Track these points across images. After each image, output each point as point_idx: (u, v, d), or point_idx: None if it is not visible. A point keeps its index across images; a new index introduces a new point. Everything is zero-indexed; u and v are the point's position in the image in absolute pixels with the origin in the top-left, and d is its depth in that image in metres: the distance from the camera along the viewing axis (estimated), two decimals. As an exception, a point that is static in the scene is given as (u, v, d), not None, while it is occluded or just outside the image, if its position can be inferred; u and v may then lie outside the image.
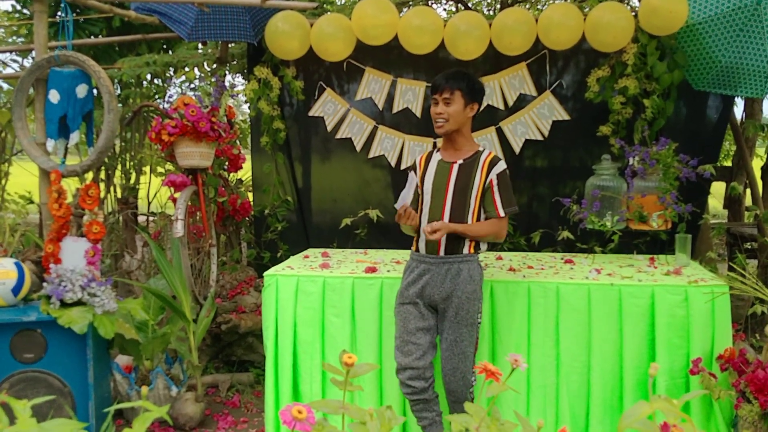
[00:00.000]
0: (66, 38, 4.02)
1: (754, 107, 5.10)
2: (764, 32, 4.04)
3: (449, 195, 3.25)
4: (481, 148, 3.32)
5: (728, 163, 6.26)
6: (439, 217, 3.25)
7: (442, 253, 3.24)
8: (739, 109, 5.65)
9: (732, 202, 5.74)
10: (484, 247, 3.33)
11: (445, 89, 3.21)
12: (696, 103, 4.63)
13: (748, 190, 5.22)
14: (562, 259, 4.24)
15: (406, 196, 3.34)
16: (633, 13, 4.32)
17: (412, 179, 3.42)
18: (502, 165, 3.26)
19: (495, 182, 3.22)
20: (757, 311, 3.64)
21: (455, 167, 3.26)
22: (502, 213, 3.23)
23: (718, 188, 5.53)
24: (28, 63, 6.29)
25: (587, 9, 4.59)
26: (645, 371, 3.43)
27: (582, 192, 4.36)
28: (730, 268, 3.80)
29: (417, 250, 3.34)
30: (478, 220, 3.26)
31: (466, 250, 3.24)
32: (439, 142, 3.47)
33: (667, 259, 4.14)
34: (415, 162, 3.46)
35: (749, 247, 5.22)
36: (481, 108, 3.38)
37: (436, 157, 3.36)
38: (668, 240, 4.26)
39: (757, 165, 5.26)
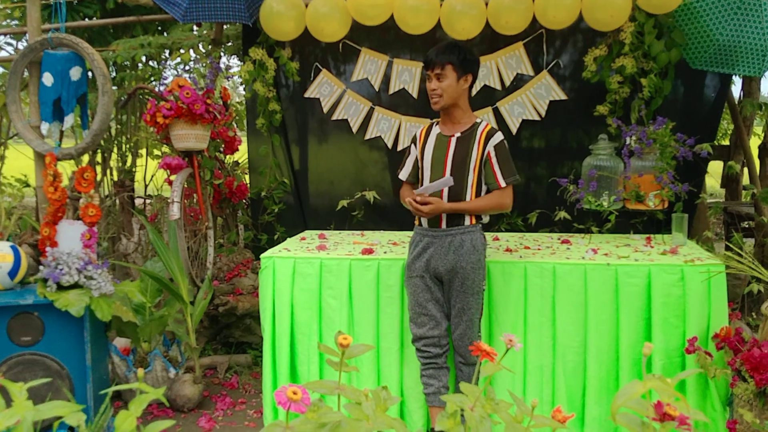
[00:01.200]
0: (59, 20, 3.99)
1: (751, 86, 5.07)
2: (762, 10, 4.00)
3: (448, 169, 3.28)
4: (478, 120, 3.34)
5: (726, 142, 6.25)
6: (438, 191, 3.29)
7: (444, 225, 3.29)
8: (736, 88, 5.64)
9: (729, 181, 5.73)
10: (486, 218, 3.39)
11: (436, 64, 3.22)
12: (693, 82, 4.61)
13: (746, 169, 5.21)
14: (558, 239, 4.24)
15: (408, 172, 3.43)
16: (630, -8, 4.28)
17: (413, 152, 3.46)
18: (499, 136, 3.28)
19: (493, 153, 3.25)
20: (753, 290, 3.65)
21: (453, 140, 3.29)
22: (503, 183, 3.27)
23: (715, 167, 5.52)
24: (22, 46, 6.25)
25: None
26: (641, 350, 3.44)
27: (579, 172, 4.36)
28: (727, 248, 3.80)
29: (420, 224, 3.39)
30: (478, 193, 3.30)
31: (467, 222, 3.30)
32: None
33: (663, 238, 4.15)
34: (415, 135, 3.49)
35: (746, 226, 5.22)
36: (476, 81, 3.37)
37: (435, 130, 3.38)
38: (665, 219, 4.26)
39: (754, 144, 5.24)
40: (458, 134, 3.30)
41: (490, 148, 3.25)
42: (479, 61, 3.39)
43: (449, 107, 3.30)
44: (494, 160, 3.26)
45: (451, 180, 3.22)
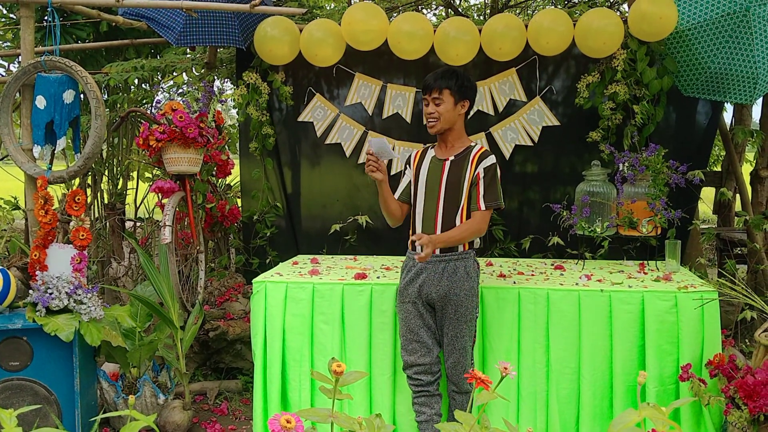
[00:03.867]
0: (53, 43, 3.98)
1: (743, 113, 5.11)
2: (753, 39, 4.05)
3: (442, 192, 3.27)
4: (473, 144, 3.34)
5: (718, 169, 6.28)
6: (432, 216, 3.28)
7: (437, 251, 3.26)
8: (728, 115, 5.68)
9: (722, 207, 5.76)
10: (478, 243, 3.37)
11: (434, 89, 3.24)
12: (685, 108, 4.64)
13: (738, 196, 5.23)
14: (552, 265, 4.23)
15: (400, 191, 3.44)
16: (623, 19, 4.32)
17: (407, 173, 3.46)
18: (491, 159, 3.27)
19: (481, 175, 3.24)
20: (746, 317, 3.65)
21: (447, 164, 3.30)
22: (483, 206, 3.23)
23: (707, 193, 5.55)
24: (14, 68, 6.25)
25: (577, 15, 4.60)
26: (635, 377, 3.42)
27: (572, 198, 4.36)
28: (720, 274, 3.80)
29: (413, 249, 3.35)
30: (470, 215, 3.27)
31: (461, 248, 3.28)
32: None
33: (657, 264, 4.14)
34: (409, 157, 3.48)
35: (739, 252, 5.23)
36: (473, 107, 3.38)
37: (430, 153, 3.39)
38: (658, 246, 4.26)
39: (746, 170, 5.28)
40: (452, 157, 3.30)
41: (480, 169, 3.24)
42: (477, 88, 3.40)
43: (445, 132, 3.30)
44: (481, 181, 3.24)
45: (384, 141, 3.19)
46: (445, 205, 3.27)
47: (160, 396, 4.02)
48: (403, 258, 3.52)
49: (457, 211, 3.26)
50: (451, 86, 3.22)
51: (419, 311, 3.30)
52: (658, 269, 4.04)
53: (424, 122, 3.33)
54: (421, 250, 3.10)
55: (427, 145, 3.47)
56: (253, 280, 3.79)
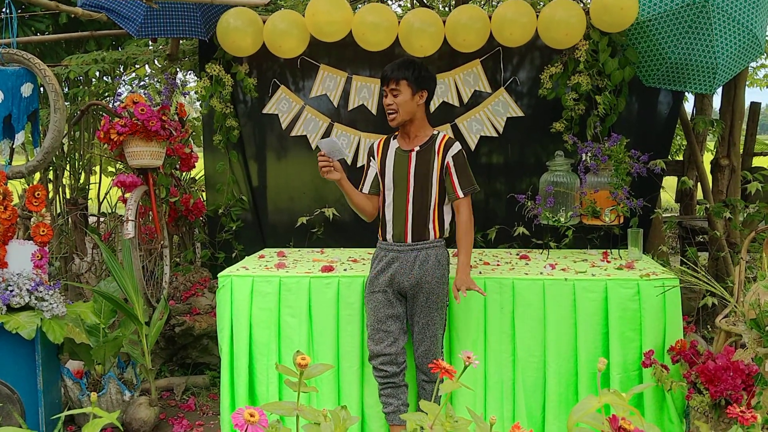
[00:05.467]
0: (10, 35, 3.90)
1: (704, 103, 5.19)
2: (712, 29, 4.11)
3: (411, 184, 3.30)
4: (435, 132, 3.36)
5: (679, 158, 6.38)
6: (403, 207, 3.32)
7: (409, 240, 3.29)
8: (689, 105, 5.77)
9: (683, 195, 5.85)
10: (447, 230, 3.40)
11: (391, 80, 3.26)
12: (647, 99, 4.70)
13: (699, 184, 5.32)
14: (517, 254, 4.26)
15: (369, 184, 3.47)
16: (585, 10, 4.35)
17: (372, 165, 3.47)
18: (456, 146, 3.31)
19: (452, 164, 3.28)
20: (708, 303, 3.70)
21: (413, 155, 3.31)
22: (461, 194, 3.29)
23: (670, 182, 5.63)
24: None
25: (540, 6, 4.62)
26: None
27: (537, 188, 4.39)
28: (682, 262, 3.86)
29: (384, 239, 3.36)
30: (441, 204, 3.32)
31: (432, 236, 3.32)
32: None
33: (620, 253, 4.20)
34: (371, 148, 3.48)
35: (701, 240, 5.32)
36: (434, 97, 3.40)
37: (394, 144, 3.39)
38: (621, 234, 4.32)
39: (707, 159, 5.36)
40: (417, 148, 3.31)
41: (449, 158, 3.28)
42: (435, 77, 3.40)
43: (406, 123, 3.31)
44: (453, 170, 3.28)
45: (334, 140, 3.25)
46: (415, 197, 3.30)
47: (125, 393, 3.97)
48: (370, 250, 3.53)
49: (428, 202, 3.28)
50: (408, 77, 3.23)
51: (389, 300, 3.32)
52: (621, 257, 4.09)
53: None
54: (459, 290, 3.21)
55: (389, 135, 3.47)
56: (219, 275, 3.76)
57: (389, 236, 3.36)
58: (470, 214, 3.34)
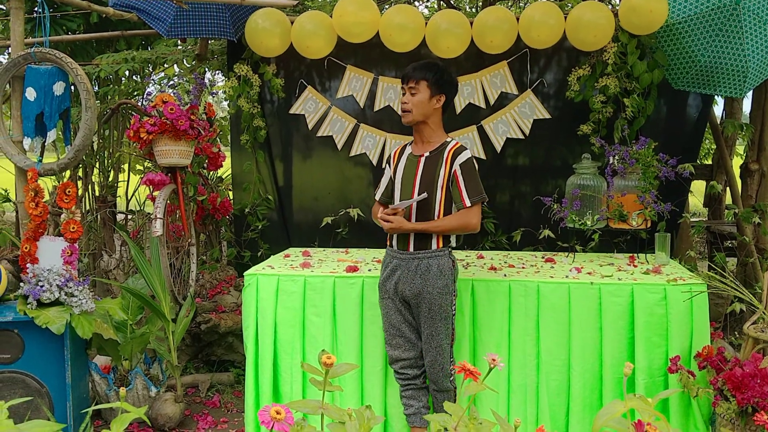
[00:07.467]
0: (42, 34, 3.97)
1: (733, 106, 5.13)
2: (743, 32, 4.06)
3: (416, 189, 3.24)
4: (448, 139, 3.30)
5: (708, 162, 6.30)
6: (407, 212, 3.26)
7: (411, 248, 3.25)
8: (718, 108, 5.70)
9: (712, 200, 5.78)
10: (453, 241, 3.33)
11: (411, 79, 3.23)
12: (676, 102, 4.65)
13: (728, 189, 5.25)
14: (542, 257, 4.24)
15: (381, 192, 3.45)
16: (613, 12, 4.32)
17: (387, 172, 3.46)
18: (466, 154, 3.22)
19: (459, 172, 3.19)
20: (735, 309, 3.66)
21: (422, 160, 3.27)
22: (468, 203, 3.19)
23: (698, 186, 5.57)
24: (4, 59, 6.21)
25: (568, 7, 4.59)
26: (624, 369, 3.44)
27: (563, 190, 4.37)
28: (710, 267, 3.82)
29: (391, 245, 3.35)
30: (447, 212, 3.23)
31: (434, 246, 3.24)
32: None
33: (647, 257, 4.16)
34: (389, 155, 3.48)
35: (729, 245, 5.25)
36: (451, 102, 3.36)
37: (408, 150, 3.37)
38: (648, 238, 4.28)
39: (736, 163, 5.30)
40: (427, 153, 3.27)
41: (456, 166, 3.19)
42: (457, 84, 3.36)
43: (419, 125, 3.27)
44: (460, 178, 3.19)
45: (424, 195, 3.19)
46: (419, 203, 3.23)
47: (151, 388, 4.02)
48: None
49: (432, 208, 3.22)
50: (429, 78, 3.21)
51: (398, 307, 3.30)
52: (647, 262, 4.06)
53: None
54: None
55: (407, 142, 3.44)
56: (245, 273, 3.79)
57: (394, 242, 3.31)
58: (472, 221, 3.21)
